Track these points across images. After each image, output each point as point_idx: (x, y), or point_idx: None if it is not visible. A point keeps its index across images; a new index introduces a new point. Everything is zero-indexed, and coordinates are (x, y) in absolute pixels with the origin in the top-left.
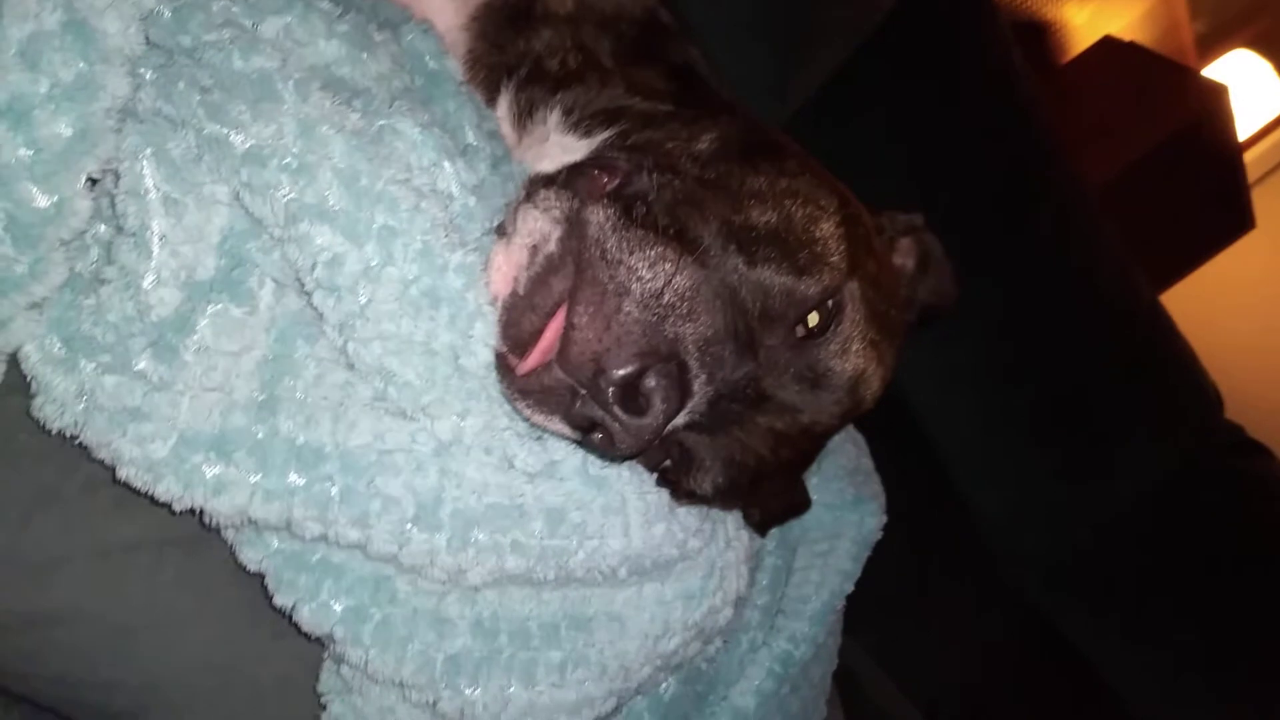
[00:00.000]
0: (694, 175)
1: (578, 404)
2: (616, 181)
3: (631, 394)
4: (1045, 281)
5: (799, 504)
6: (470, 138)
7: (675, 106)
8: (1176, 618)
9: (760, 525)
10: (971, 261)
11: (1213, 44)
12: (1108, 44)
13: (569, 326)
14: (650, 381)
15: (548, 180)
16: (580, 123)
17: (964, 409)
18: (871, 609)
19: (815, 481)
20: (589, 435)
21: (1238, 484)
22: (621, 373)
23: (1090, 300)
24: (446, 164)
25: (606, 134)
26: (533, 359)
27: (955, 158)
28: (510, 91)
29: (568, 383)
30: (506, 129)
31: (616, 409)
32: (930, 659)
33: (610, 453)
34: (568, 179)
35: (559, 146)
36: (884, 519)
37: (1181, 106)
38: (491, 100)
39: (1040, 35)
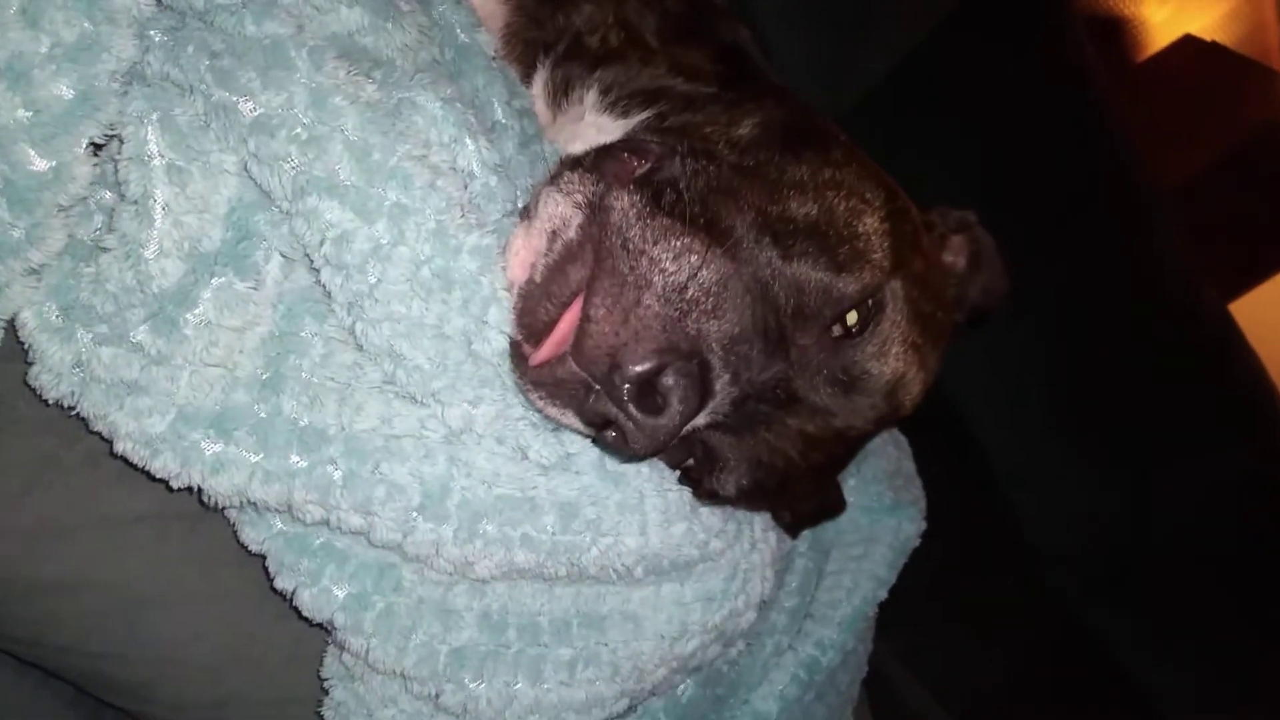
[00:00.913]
0: (731, 162)
1: (591, 399)
2: (647, 166)
3: (648, 392)
4: (1106, 282)
5: (833, 506)
6: (499, 114)
7: (720, 89)
8: (1221, 633)
9: (791, 527)
10: (1030, 257)
11: None
12: (1188, 43)
13: (584, 319)
14: (668, 380)
15: (575, 162)
16: (618, 102)
17: (1013, 406)
18: (905, 609)
19: (853, 483)
20: (603, 432)
21: None
22: (638, 369)
23: (1152, 305)
24: (468, 141)
25: (644, 115)
26: (545, 350)
27: (1020, 152)
28: (546, 68)
29: (582, 377)
30: (541, 107)
31: (631, 407)
32: (965, 664)
33: (624, 452)
34: (595, 161)
35: (594, 127)
36: (923, 525)
37: (1263, 110)
38: (527, 77)
39: (1117, 32)
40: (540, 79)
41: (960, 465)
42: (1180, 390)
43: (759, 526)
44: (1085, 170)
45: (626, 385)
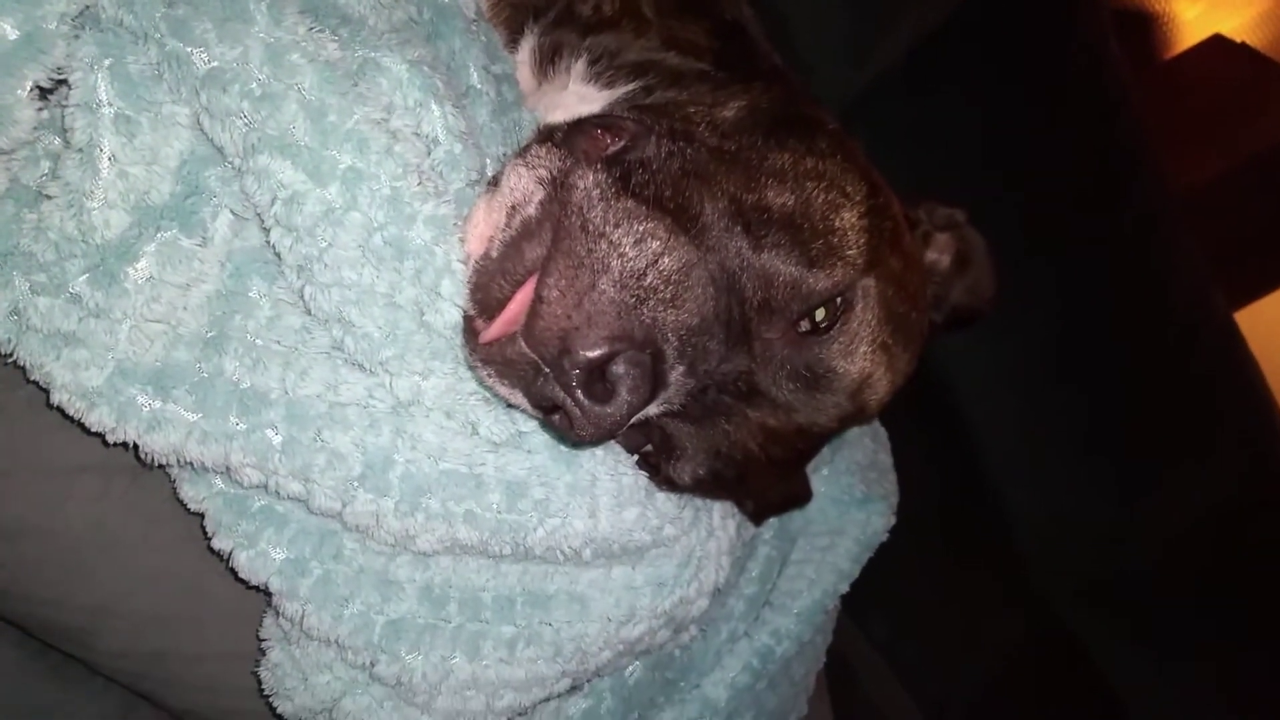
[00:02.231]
0: (711, 145)
1: (540, 382)
2: (620, 144)
3: (597, 379)
4: (1115, 285)
5: (799, 496)
6: (474, 79)
7: (713, 67)
8: (1207, 646)
9: (755, 515)
10: (1040, 254)
11: None
12: (1217, 43)
13: (537, 299)
14: (618, 369)
15: (548, 135)
16: (604, 73)
17: (1015, 406)
18: (889, 600)
19: (825, 473)
20: (549, 416)
21: None
22: (587, 355)
23: (1160, 310)
24: (433, 105)
25: (630, 87)
26: (495, 328)
27: (1036, 144)
28: (535, 34)
29: (531, 358)
30: (526, 74)
31: (579, 393)
32: (944, 659)
33: (570, 438)
34: (567, 136)
35: (576, 96)
36: (892, 520)
37: None
38: (513, 42)
39: (1146, 27)
40: (527, 45)
41: (953, 462)
42: (1178, 401)
43: (718, 514)
44: (1099, 167)
45: (575, 370)
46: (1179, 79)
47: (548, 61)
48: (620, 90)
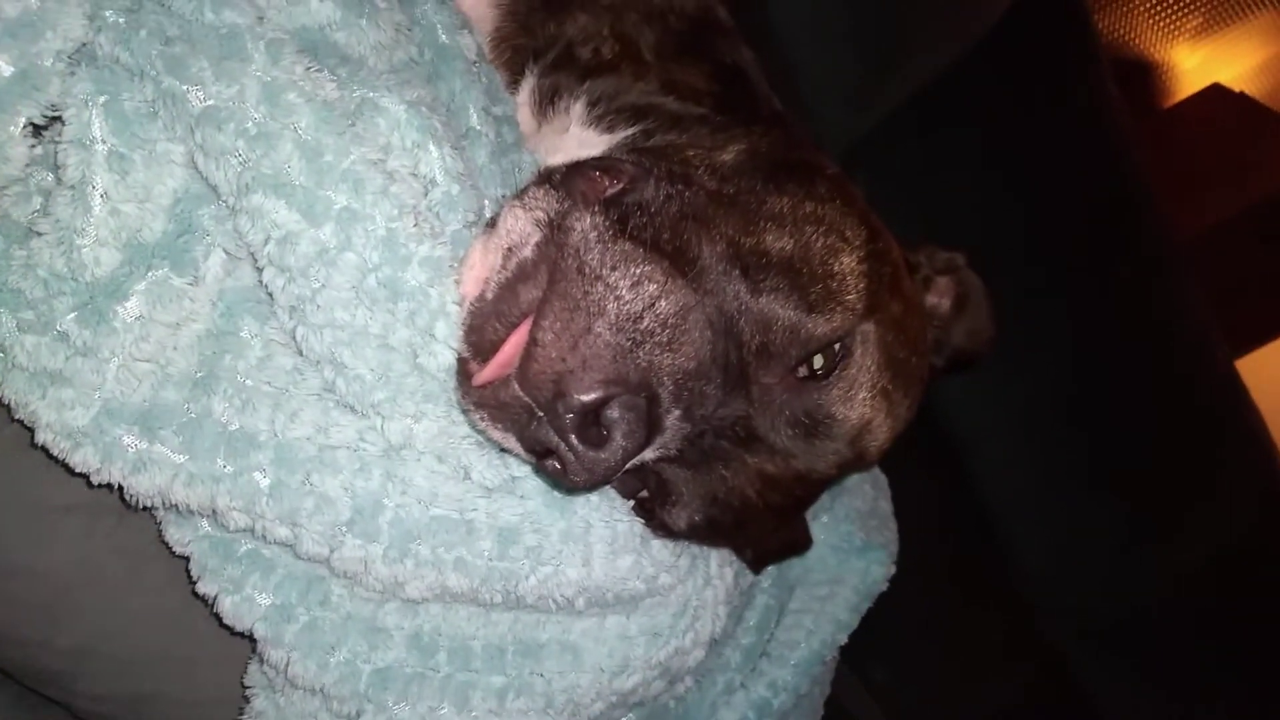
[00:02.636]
0: (710, 188)
1: (533, 426)
2: (619, 187)
3: (592, 423)
4: (1120, 328)
5: (798, 543)
6: (474, 120)
7: (712, 111)
8: (1213, 695)
9: (754, 563)
10: (1043, 297)
11: None
12: (1216, 92)
13: (531, 341)
14: (613, 413)
15: (546, 177)
16: (604, 116)
17: (1020, 449)
18: (888, 647)
19: (825, 521)
20: (543, 461)
21: None
22: (582, 399)
23: (1164, 355)
24: (431, 146)
25: (629, 131)
26: (489, 370)
27: (1040, 189)
28: (535, 76)
29: (525, 401)
30: (526, 115)
31: (573, 437)
32: (945, 709)
33: (563, 483)
34: (565, 178)
35: (576, 140)
36: (892, 569)
37: None
38: (514, 83)
39: (1145, 75)
40: (527, 86)
41: (957, 506)
42: (1183, 445)
43: (715, 562)
44: (1103, 213)
45: (569, 415)
46: (1178, 128)
47: (547, 103)
48: (620, 134)
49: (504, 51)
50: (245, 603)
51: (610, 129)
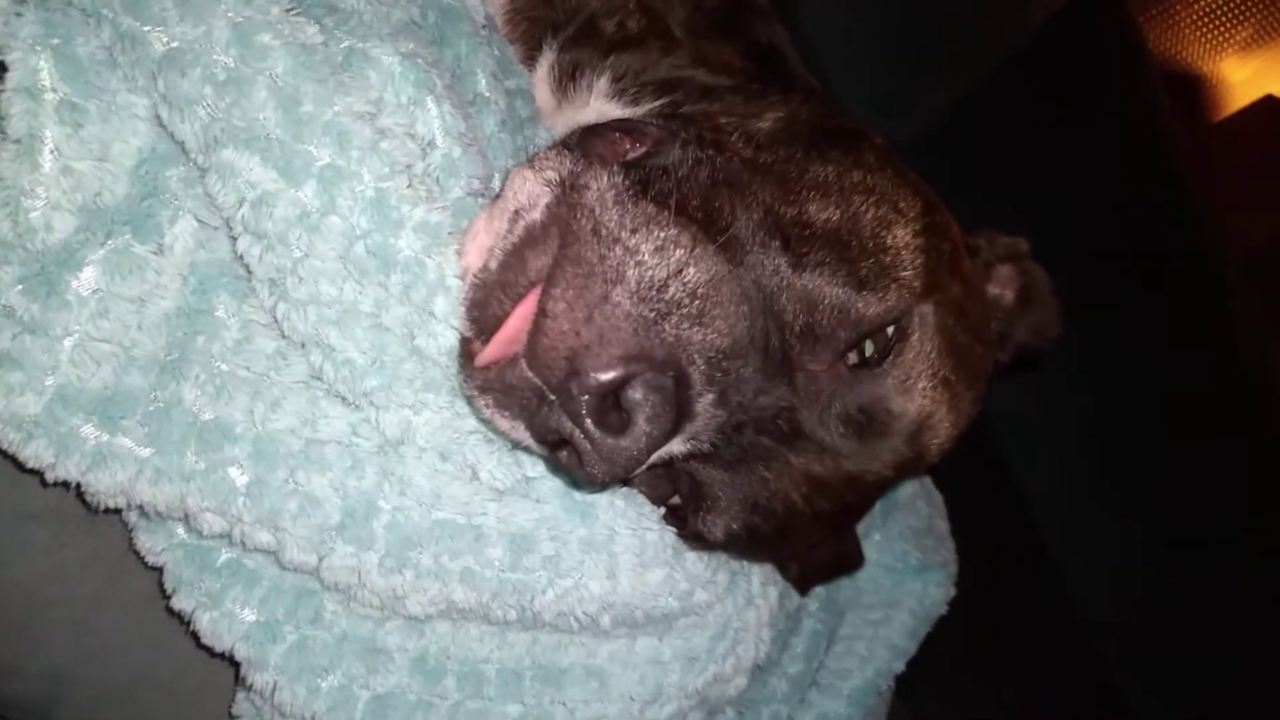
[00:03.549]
0: (745, 156)
1: (544, 411)
2: (642, 150)
3: (611, 407)
4: (1173, 342)
5: (848, 560)
6: (482, 87)
7: (745, 82)
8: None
9: (801, 581)
10: (1093, 308)
11: None
12: (1269, 104)
13: (540, 313)
14: (635, 394)
15: (560, 141)
16: (629, 90)
17: (1065, 464)
18: (935, 676)
19: (877, 539)
20: (556, 452)
21: None
22: (599, 378)
23: (1220, 371)
24: (430, 103)
25: (656, 104)
26: (492, 349)
27: (1086, 203)
28: (553, 51)
29: (534, 383)
30: (544, 93)
31: (589, 423)
32: None
33: (580, 477)
34: (582, 139)
35: (598, 114)
36: (952, 591)
37: None
38: (531, 59)
39: (1195, 89)
40: (545, 62)
41: (1004, 524)
42: (1240, 465)
43: (758, 579)
44: (1155, 227)
45: (585, 396)
46: (1230, 141)
47: (567, 79)
48: (646, 107)
49: (519, 24)
50: (225, 619)
51: (635, 103)
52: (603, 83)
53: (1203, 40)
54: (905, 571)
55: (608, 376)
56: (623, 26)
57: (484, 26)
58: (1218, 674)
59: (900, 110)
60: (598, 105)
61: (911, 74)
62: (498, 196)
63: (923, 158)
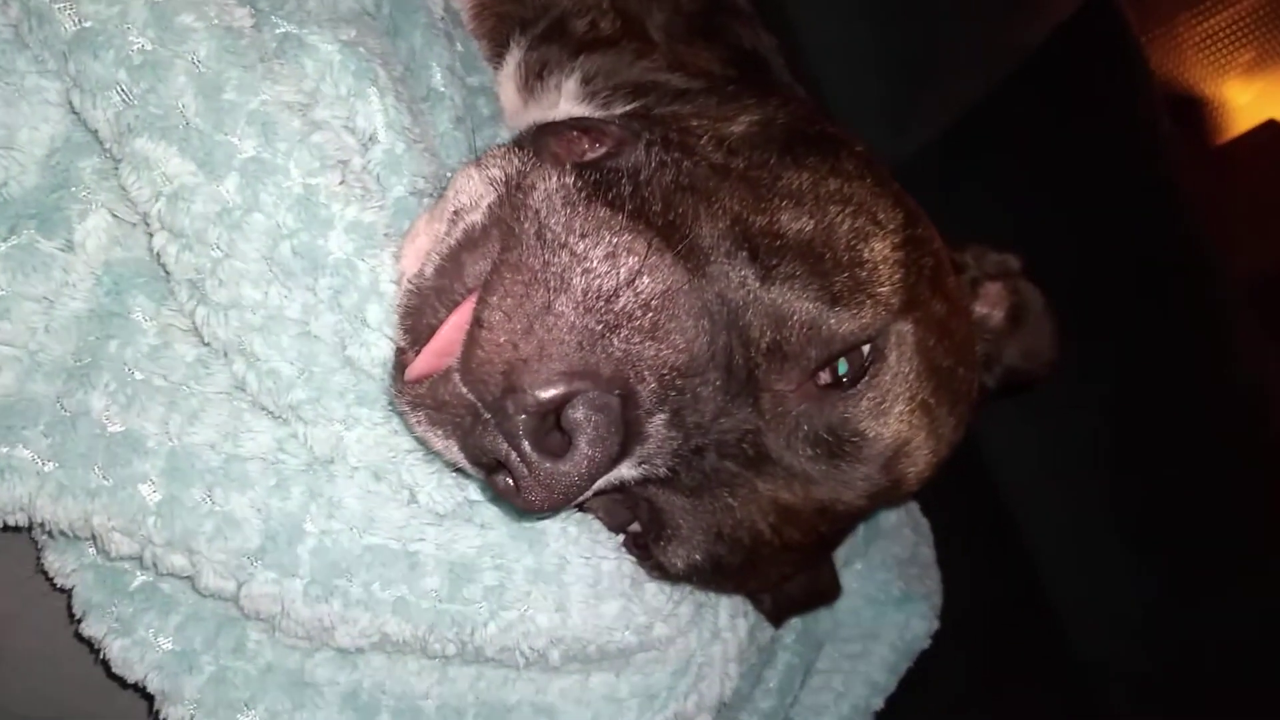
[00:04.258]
0: (715, 162)
1: (477, 430)
2: (601, 151)
3: (551, 427)
4: (1172, 370)
5: (825, 591)
6: (437, 81)
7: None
8: None
9: (774, 614)
10: (1091, 334)
11: None
12: (1272, 128)
13: (475, 323)
14: (577, 413)
15: (513, 139)
16: (599, 92)
17: (1060, 494)
18: (927, 711)
19: (859, 568)
20: (493, 476)
21: None
22: (539, 395)
23: (1216, 400)
24: (373, 95)
25: (627, 107)
26: (422, 361)
27: (1087, 223)
28: (521, 48)
29: (469, 399)
30: (510, 91)
31: (525, 445)
32: None
33: (516, 504)
34: (535, 136)
35: (566, 116)
36: (935, 624)
37: None
38: (498, 55)
39: (1196, 112)
40: (512, 60)
41: (998, 558)
42: (1242, 497)
43: (725, 612)
44: (1155, 249)
45: (522, 416)
46: (1232, 165)
47: (535, 78)
48: (617, 110)
49: (487, 20)
50: (137, 647)
51: (606, 105)
52: (572, 83)
53: (1204, 64)
54: (887, 603)
55: (547, 394)
56: (595, 26)
57: (442, 19)
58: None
59: (904, 124)
60: (566, 106)
61: (915, 89)
62: (442, 196)
63: (924, 172)
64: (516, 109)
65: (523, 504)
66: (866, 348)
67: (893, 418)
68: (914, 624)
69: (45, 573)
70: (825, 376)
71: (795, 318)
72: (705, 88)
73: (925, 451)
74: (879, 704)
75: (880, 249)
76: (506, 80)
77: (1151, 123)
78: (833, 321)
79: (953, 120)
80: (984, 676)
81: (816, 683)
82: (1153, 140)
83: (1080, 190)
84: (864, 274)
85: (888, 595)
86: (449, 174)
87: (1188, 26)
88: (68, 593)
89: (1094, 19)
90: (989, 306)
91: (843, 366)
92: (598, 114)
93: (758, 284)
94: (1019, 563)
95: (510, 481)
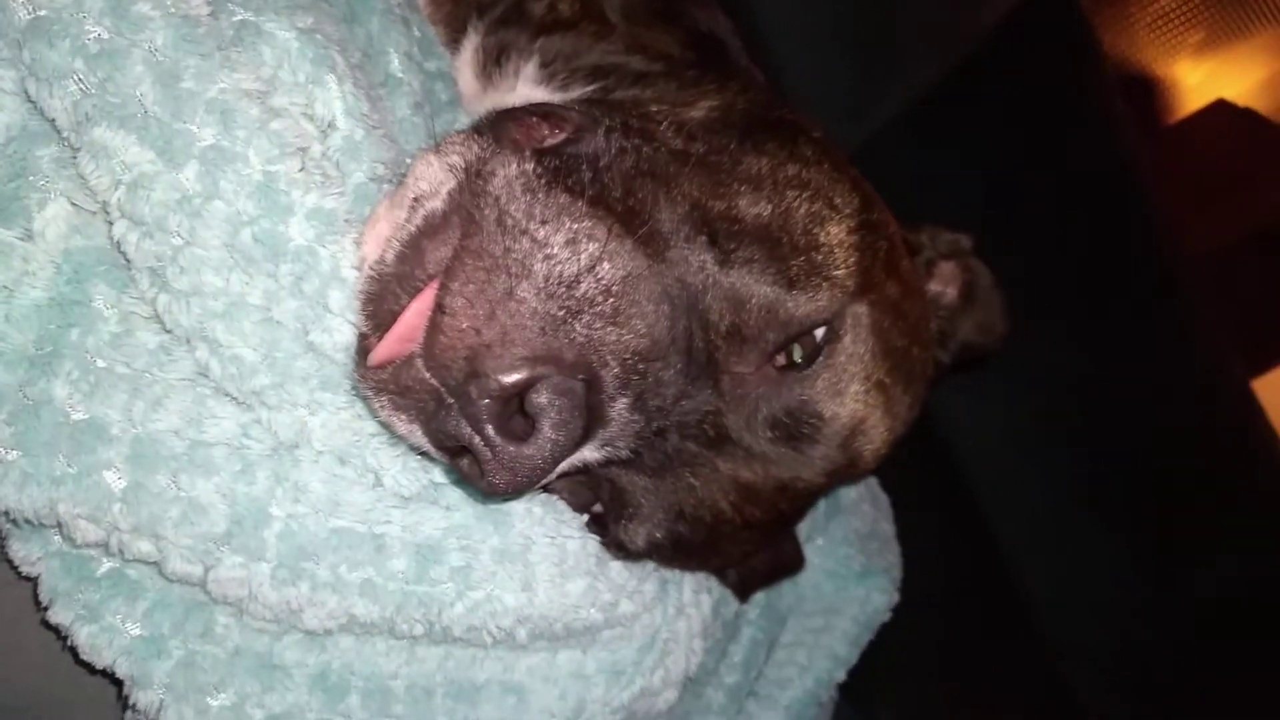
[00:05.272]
0: (674, 147)
1: (440, 415)
2: (561, 137)
3: (515, 412)
4: (1129, 347)
5: (789, 564)
6: (394, 67)
7: (684, 68)
8: None
9: (740, 587)
10: (1048, 315)
11: None
12: (1221, 108)
13: (437, 309)
14: (541, 398)
15: (473, 125)
16: (558, 75)
17: (1020, 472)
18: (903, 690)
19: (820, 543)
20: (456, 460)
21: None
22: (502, 380)
23: (1174, 376)
24: (331, 81)
25: (587, 89)
26: (385, 346)
27: (1043, 203)
28: (478, 34)
29: (432, 384)
30: (468, 76)
31: (489, 429)
32: None
33: (481, 487)
34: (495, 123)
35: (524, 100)
36: (895, 596)
37: None
38: (456, 40)
39: (1148, 91)
40: (470, 45)
41: (961, 529)
42: (1200, 472)
43: (690, 588)
44: (1110, 227)
45: (486, 400)
46: (1183, 145)
47: (493, 63)
48: (576, 93)
49: (443, 5)
50: (105, 634)
51: (565, 88)
52: (530, 67)
53: (1156, 44)
54: (848, 577)
55: (510, 379)
56: (553, 9)
57: (398, 4)
58: (1185, 693)
59: (862, 107)
60: (525, 90)
61: (873, 71)
62: (402, 182)
63: (883, 153)
64: (475, 94)
65: (487, 487)
66: (822, 330)
67: (849, 397)
68: (874, 598)
69: (10, 561)
70: (783, 358)
71: (754, 301)
72: (665, 71)
73: (881, 430)
74: (841, 676)
75: (836, 233)
76: (464, 65)
77: (1105, 103)
78: (790, 304)
79: (910, 102)
80: (944, 648)
81: (780, 656)
82: (1106, 120)
83: (1037, 169)
84: (820, 258)
85: (848, 570)
86: (408, 160)
87: (1139, 8)
88: (33, 580)
89: (1048, 2)
90: (943, 284)
91: (797, 353)
92: (557, 97)
93: (717, 268)
94: (979, 537)
95: (474, 464)
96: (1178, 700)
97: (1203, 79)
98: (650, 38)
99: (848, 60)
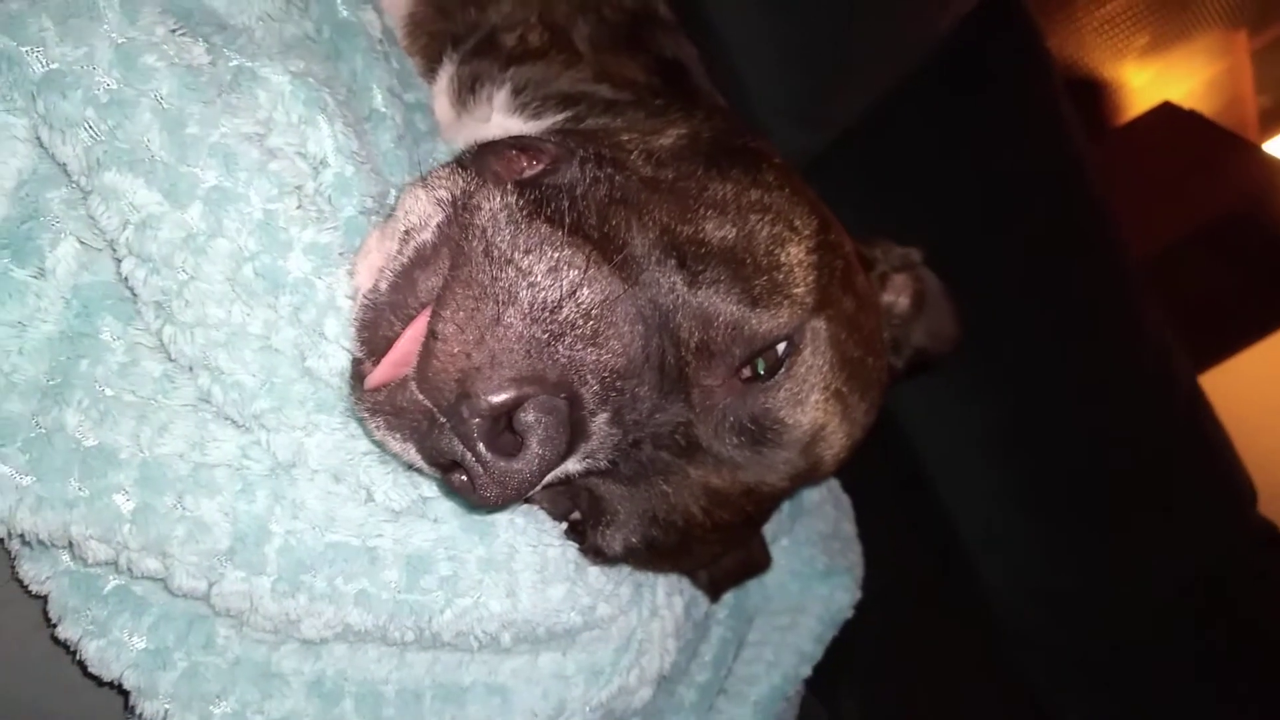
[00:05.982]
0: (644, 175)
1: (434, 434)
2: (538, 168)
3: (503, 429)
4: (1077, 346)
5: (757, 563)
6: (378, 102)
7: (650, 96)
8: None
9: (712, 588)
10: (1002, 318)
11: (1278, 119)
12: (1167, 110)
13: (430, 335)
14: (528, 416)
15: (455, 159)
16: (530, 104)
17: (976, 468)
18: (857, 677)
19: (785, 544)
20: (449, 475)
21: (1266, 586)
22: (491, 400)
23: (1125, 373)
24: (322, 122)
25: (558, 117)
26: (381, 370)
27: (995, 206)
28: (453, 64)
29: (425, 406)
30: (444, 105)
31: (480, 446)
32: None
33: (472, 500)
34: (476, 157)
35: (499, 129)
36: (857, 594)
37: (1240, 183)
38: (431, 72)
39: (1095, 94)
40: (445, 74)
41: (922, 528)
42: (1153, 467)
43: (663, 590)
44: (1061, 229)
45: (476, 419)
46: (1129, 146)
47: (467, 92)
48: (548, 121)
49: (419, 38)
50: (112, 647)
51: (537, 116)
52: (503, 95)
53: (1103, 46)
54: (812, 577)
55: (499, 399)
56: (524, 40)
57: (381, 40)
58: (1140, 683)
59: (817, 117)
60: (499, 118)
61: (828, 82)
62: (390, 215)
63: (839, 162)
64: (450, 121)
65: (479, 500)
66: (784, 344)
67: (809, 406)
68: (838, 596)
69: (20, 580)
70: (748, 371)
71: (720, 319)
72: (633, 100)
73: (840, 435)
74: (807, 672)
75: (796, 253)
76: (440, 94)
77: (1053, 105)
78: (754, 321)
79: (865, 111)
80: (906, 642)
81: (749, 654)
82: (1055, 121)
83: (989, 173)
84: (781, 277)
85: (813, 569)
86: (394, 191)
87: (1086, 12)
88: (43, 599)
89: (997, 7)
90: (895, 294)
91: (761, 366)
92: (530, 125)
93: (686, 289)
94: (939, 534)
95: (466, 479)
96: (1132, 691)
97: (1149, 81)
98: (617, 65)
99: (802, 72)
